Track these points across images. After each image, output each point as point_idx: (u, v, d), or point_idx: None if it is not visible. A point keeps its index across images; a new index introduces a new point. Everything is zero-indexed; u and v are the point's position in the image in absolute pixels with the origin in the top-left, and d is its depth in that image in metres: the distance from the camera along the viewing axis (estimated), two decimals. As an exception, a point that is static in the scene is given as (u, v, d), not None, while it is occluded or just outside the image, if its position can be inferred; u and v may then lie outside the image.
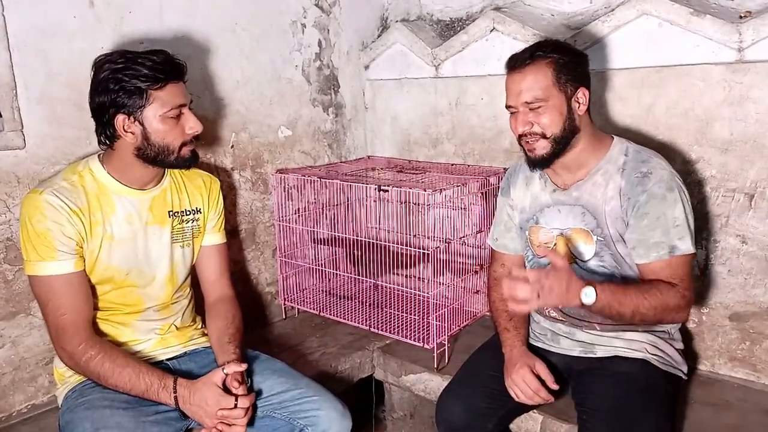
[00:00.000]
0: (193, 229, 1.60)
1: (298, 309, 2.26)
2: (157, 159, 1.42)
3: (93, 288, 1.44)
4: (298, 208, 2.19)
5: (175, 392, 1.35)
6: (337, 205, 2.23)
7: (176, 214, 1.55)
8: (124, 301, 1.49)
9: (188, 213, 1.58)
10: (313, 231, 2.22)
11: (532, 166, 1.48)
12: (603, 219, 1.44)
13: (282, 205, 2.15)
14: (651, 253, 1.38)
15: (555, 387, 1.45)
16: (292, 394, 1.46)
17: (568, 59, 1.40)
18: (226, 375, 1.39)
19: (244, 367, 1.42)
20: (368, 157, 2.51)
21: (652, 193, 1.37)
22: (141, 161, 1.42)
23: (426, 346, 1.88)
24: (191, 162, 1.48)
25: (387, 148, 2.48)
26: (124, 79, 1.33)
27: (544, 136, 1.40)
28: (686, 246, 1.36)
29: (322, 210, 2.24)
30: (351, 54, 2.39)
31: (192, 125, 1.43)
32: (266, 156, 2.15)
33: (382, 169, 2.23)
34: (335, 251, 2.28)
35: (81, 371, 1.37)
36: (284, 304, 2.24)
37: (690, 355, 1.74)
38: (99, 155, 1.46)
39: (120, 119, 1.35)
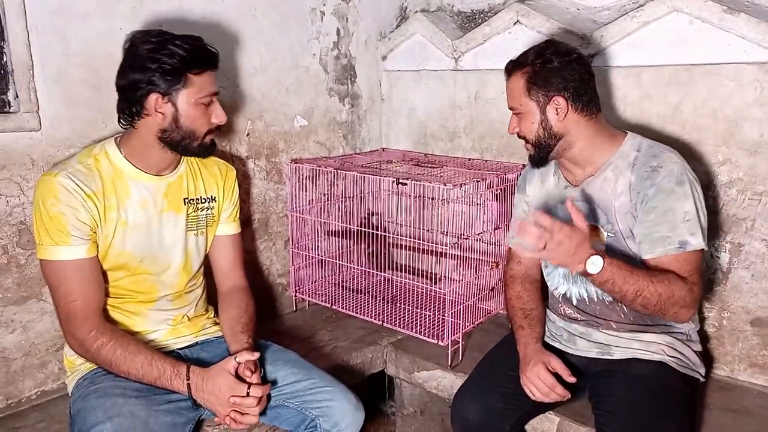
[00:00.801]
0: (207, 218, 1.57)
1: (309, 301, 2.23)
2: (180, 144, 1.40)
3: (105, 274, 1.42)
4: (312, 199, 2.16)
5: (188, 379, 1.33)
6: (351, 197, 2.19)
7: (191, 201, 1.53)
8: (137, 288, 1.46)
9: (203, 201, 1.56)
10: (326, 223, 2.19)
11: (531, 165, 1.56)
12: (613, 215, 1.43)
13: (296, 195, 2.12)
14: (657, 248, 1.36)
15: (572, 380, 1.42)
16: (305, 384, 1.44)
17: (543, 69, 1.41)
18: (239, 364, 1.37)
19: (256, 355, 1.40)
20: (383, 149, 2.47)
21: (660, 187, 1.35)
22: (161, 144, 1.40)
23: (440, 342, 1.85)
24: (211, 151, 1.49)
25: (402, 140, 2.45)
26: (163, 59, 1.32)
27: (526, 140, 1.49)
28: (697, 241, 1.34)
29: (336, 202, 2.21)
30: (369, 43, 2.35)
31: (218, 115, 1.44)
32: (281, 145, 2.11)
33: (398, 161, 2.20)
34: (348, 244, 2.25)
35: (91, 358, 1.35)
36: (295, 296, 2.22)
37: (709, 359, 1.72)
38: (116, 139, 1.44)
39: (153, 98, 1.34)
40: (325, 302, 2.16)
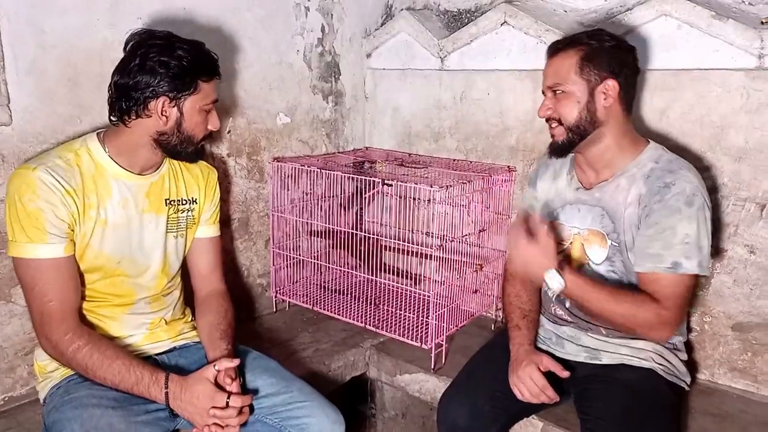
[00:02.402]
0: (187, 219, 1.53)
1: (289, 302, 2.19)
2: (176, 148, 1.39)
3: (81, 276, 1.36)
4: (294, 199, 2.12)
5: (166, 388, 1.27)
6: (333, 197, 2.16)
7: (172, 202, 1.48)
8: (113, 291, 1.41)
9: (184, 202, 1.51)
10: (308, 223, 2.15)
11: (551, 152, 1.48)
12: (621, 224, 1.41)
13: (278, 194, 2.08)
14: (647, 263, 1.35)
15: (566, 374, 1.40)
16: (283, 398, 1.41)
17: (600, 48, 1.36)
18: (218, 371, 1.32)
19: (236, 362, 1.35)
20: (366, 148, 2.44)
21: (667, 204, 1.33)
22: (155, 145, 1.37)
23: (424, 345, 1.83)
24: (201, 156, 1.49)
25: (386, 140, 2.42)
26: (171, 63, 1.29)
27: (560, 123, 1.41)
28: (691, 265, 1.31)
29: (318, 201, 2.17)
30: (353, 41, 2.32)
31: (214, 122, 1.44)
32: (263, 143, 2.07)
33: (382, 162, 2.17)
34: (330, 244, 2.21)
35: (66, 362, 1.29)
36: (275, 297, 2.17)
37: (690, 363, 1.72)
38: (99, 134, 1.38)
39: (161, 101, 1.31)
40: (306, 303, 2.12)
